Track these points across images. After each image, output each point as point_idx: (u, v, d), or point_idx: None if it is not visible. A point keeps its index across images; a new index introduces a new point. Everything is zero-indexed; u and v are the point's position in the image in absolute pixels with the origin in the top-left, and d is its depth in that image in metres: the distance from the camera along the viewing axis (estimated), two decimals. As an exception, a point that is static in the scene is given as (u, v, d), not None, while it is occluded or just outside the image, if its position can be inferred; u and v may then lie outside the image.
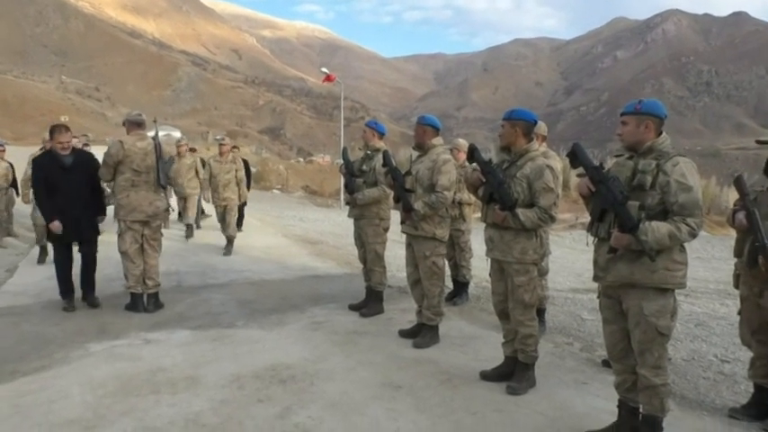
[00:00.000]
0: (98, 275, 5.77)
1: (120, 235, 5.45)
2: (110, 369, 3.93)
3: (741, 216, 3.15)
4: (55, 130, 5.37)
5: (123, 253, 5.44)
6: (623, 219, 2.64)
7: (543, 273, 4.97)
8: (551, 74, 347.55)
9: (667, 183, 2.66)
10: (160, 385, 3.66)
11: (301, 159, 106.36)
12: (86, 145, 13.32)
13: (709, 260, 12.08)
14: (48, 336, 4.67)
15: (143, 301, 5.44)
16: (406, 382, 3.76)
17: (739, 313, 3.50)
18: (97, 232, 5.63)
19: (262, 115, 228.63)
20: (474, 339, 4.78)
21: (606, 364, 3.97)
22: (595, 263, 2.91)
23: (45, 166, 5.33)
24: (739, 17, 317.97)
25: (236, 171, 9.04)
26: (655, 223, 2.63)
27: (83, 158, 5.49)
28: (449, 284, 6.27)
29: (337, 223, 14.26)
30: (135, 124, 5.52)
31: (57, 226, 5.25)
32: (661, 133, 2.79)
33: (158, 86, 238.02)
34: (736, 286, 3.46)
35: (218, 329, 4.94)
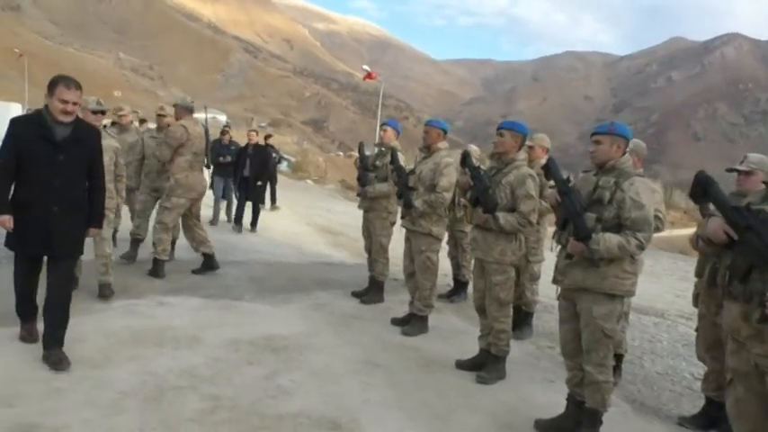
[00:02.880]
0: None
1: (168, 209, 5.95)
2: (124, 322, 4.38)
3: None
4: (59, 81, 3.42)
5: (164, 224, 5.95)
6: (578, 228, 2.94)
7: (535, 278, 5.24)
8: (601, 89, 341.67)
9: (623, 199, 2.94)
10: (166, 340, 4.09)
11: (341, 153, 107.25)
12: (143, 121, 13.04)
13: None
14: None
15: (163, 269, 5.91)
16: (386, 363, 4.11)
17: (696, 330, 3.73)
18: (81, 250, 3.76)
19: (307, 106, 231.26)
20: (461, 334, 5.08)
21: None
22: (556, 267, 3.21)
23: (24, 132, 3.45)
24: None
25: None
26: (607, 234, 2.92)
27: (85, 133, 3.60)
28: (450, 282, 6.60)
29: (361, 217, 14.64)
30: (188, 110, 6.11)
31: (3, 221, 3.40)
32: (624, 153, 3.07)
33: (210, 70, 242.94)
34: (695, 305, 3.69)
35: (228, 300, 5.35)
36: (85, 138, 3.59)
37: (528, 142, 5.12)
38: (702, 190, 2.30)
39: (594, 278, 2.99)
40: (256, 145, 10.01)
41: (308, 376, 3.73)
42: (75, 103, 3.45)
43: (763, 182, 2.31)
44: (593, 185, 3.06)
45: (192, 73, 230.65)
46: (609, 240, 2.90)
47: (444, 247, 6.31)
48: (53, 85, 3.42)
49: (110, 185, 4.54)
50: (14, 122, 3.52)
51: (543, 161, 5.07)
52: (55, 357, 3.47)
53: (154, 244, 5.99)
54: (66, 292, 3.63)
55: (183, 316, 4.71)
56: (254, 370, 3.74)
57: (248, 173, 9.66)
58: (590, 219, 2.96)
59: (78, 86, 3.47)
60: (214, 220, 9.88)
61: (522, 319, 5.24)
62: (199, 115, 6.36)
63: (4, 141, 3.44)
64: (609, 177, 3.02)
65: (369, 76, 25.53)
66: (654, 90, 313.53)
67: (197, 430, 2.93)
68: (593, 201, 3.02)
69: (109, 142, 4.94)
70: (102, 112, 5.09)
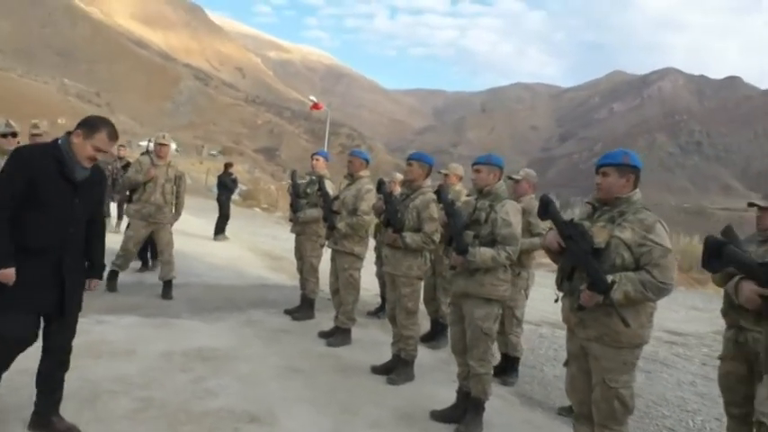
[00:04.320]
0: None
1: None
2: (63, 338, 4.67)
3: None
4: (104, 128, 2.97)
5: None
6: (458, 243, 3.51)
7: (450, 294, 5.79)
8: (547, 120, 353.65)
9: (495, 219, 3.53)
10: (102, 353, 4.41)
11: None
12: (122, 147, 11.41)
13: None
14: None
15: None
16: (307, 369, 4.56)
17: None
18: (80, 307, 3.24)
19: (259, 135, 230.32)
20: (382, 345, 5.52)
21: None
22: (444, 278, 3.76)
23: (41, 166, 2.89)
24: (733, 81, 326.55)
25: None
26: (482, 249, 3.50)
27: (99, 174, 3.17)
28: (378, 301, 7.09)
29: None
30: None
31: (8, 274, 2.85)
32: (499, 180, 3.67)
33: (159, 97, 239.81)
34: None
35: (164, 318, 5.68)
36: (99, 180, 3.17)
37: (444, 171, 5.76)
38: (545, 209, 2.89)
39: (474, 285, 3.55)
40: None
41: (234, 380, 4.13)
42: (107, 153, 3.09)
43: (587, 202, 2.92)
44: (473, 207, 3.65)
45: (140, 100, 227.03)
46: (483, 254, 3.47)
47: (373, 268, 6.85)
48: (94, 128, 2.93)
49: None
50: (27, 153, 2.94)
51: (457, 188, 5.69)
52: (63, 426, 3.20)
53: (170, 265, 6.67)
54: (70, 351, 3.29)
55: (118, 332, 5.03)
56: (184, 375, 4.12)
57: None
58: (468, 236, 3.53)
59: (117, 137, 3.08)
60: None
61: (439, 330, 5.76)
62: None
63: (6, 173, 2.88)
64: (485, 201, 3.61)
65: (315, 106, 26.20)
66: (597, 121, 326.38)
67: (127, 425, 3.30)
68: (473, 220, 3.60)
69: None
70: (14, 135, 4.69)
